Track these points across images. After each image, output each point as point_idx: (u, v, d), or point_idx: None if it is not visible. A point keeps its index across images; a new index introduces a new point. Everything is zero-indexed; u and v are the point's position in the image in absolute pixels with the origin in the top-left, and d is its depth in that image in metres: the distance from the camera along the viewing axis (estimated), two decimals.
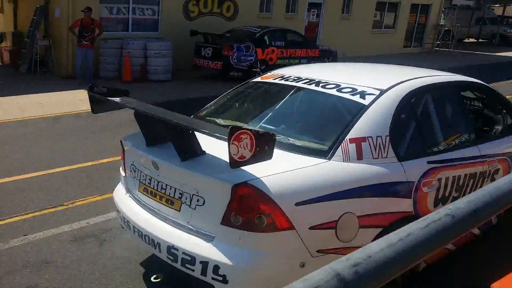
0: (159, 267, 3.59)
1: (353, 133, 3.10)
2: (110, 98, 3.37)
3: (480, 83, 4.44)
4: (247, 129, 2.52)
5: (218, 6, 15.69)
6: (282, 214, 2.65)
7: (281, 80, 3.92)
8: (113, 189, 3.89)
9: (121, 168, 3.75)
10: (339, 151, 3.01)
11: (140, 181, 3.37)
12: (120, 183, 3.78)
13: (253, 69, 13.14)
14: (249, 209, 2.69)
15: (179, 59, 13.55)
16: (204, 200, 2.87)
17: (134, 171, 3.45)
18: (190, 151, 2.99)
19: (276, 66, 13.81)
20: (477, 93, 4.73)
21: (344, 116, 3.38)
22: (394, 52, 22.49)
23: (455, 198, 3.53)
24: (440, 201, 3.50)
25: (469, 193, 3.00)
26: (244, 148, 2.45)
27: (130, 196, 3.52)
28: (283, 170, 2.79)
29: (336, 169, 2.95)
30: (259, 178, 2.66)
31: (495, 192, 1.18)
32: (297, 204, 2.70)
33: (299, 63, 14.33)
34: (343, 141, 3.04)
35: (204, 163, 2.96)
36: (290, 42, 14.46)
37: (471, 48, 27.62)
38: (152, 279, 3.67)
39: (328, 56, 15.45)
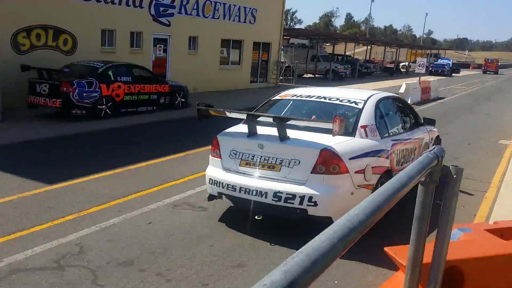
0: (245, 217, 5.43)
1: (361, 123, 5.53)
2: (219, 110, 6.13)
3: (400, 98, 7.76)
4: (338, 116, 4.73)
5: (53, 39, 14.40)
6: (344, 165, 4.84)
7: (298, 97, 6.40)
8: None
9: (211, 156, 5.76)
10: (357, 133, 5.40)
11: (241, 159, 5.29)
12: (210, 166, 5.76)
13: (99, 106, 12.23)
14: (328, 162, 4.82)
15: (9, 97, 11.95)
16: (299, 161, 4.90)
17: (235, 154, 5.36)
18: (284, 135, 5.02)
19: (124, 103, 13.22)
20: (399, 103, 7.14)
21: (352, 114, 5.70)
22: (242, 87, 23.38)
23: (404, 161, 6.16)
24: (398, 162, 5.95)
25: (410, 158, 6.42)
26: (338, 126, 4.67)
27: (228, 171, 5.35)
28: (339, 142, 5.00)
29: (358, 142, 5.32)
30: (332, 146, 4.89)
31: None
32: (350, 159, 4.93)
33: (149, 99, 13.95)
34: (357, 128, 5.46)
35: (294, 142, 5.01)
36: (138, 78, 13.88)
37: (310, 83, 30.19)
38: (256, 217, 5.32)
39: (178, 91, 15.24)
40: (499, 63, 73.05)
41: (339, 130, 4.72)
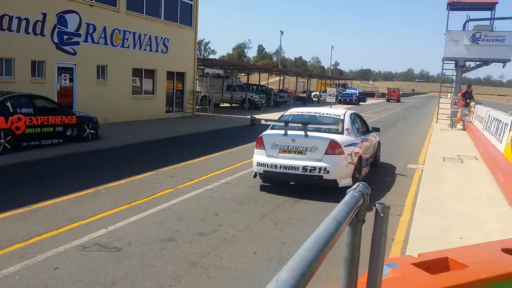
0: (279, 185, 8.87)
1: (345, 127, 8.99)
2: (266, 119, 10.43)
3: (358, 113, 11.01)
4: (341, 121, 9.33)
5: None
6: (342, 150, 8.23)
7: (300, 112, 9.92)
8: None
9: (256, 149, 8.82)
10: (344, 132, 8.85)
11: (279, 149, 8.47)
12: (256, 155, 8.75)
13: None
14: (334, 148, 8.20)
15: None
16: (317, 148, 8.21)
17: (275, 146, 8.51)
18: (307, 133, 8.31)
19: (26, 136, 12.09)
20: (359, 116, 10.72)
21: (337, 122, 9.11)
22: (157, 117, 22.70)
23: (367, 152, 9.80)
24: (364, 152, 9.38)
25: (369, 151, 10.43)
26: (340, 127, 9.17)
27: (270, 157, 8.45)
28: (337, 137, 8.49)
29: (346, 137, 8.72)
30: (335, 139, 8.36)
31: None
32: (344, 146, 8.33)
33: (54, 131, 13.12)
34: (344, 129, 8.89)
35: (313, 137, 8.37)
36: (41, 109, 12.96)
37: (226, 112, 30.29)
38: (291, 183, 8.55)
39: (87, 123, 14.39)
40: (401, 92, 79.06)
41: (340, 129, 8.96)
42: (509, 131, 11.52)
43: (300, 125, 8.42)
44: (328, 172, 8.11)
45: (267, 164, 8.43)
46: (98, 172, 10.13)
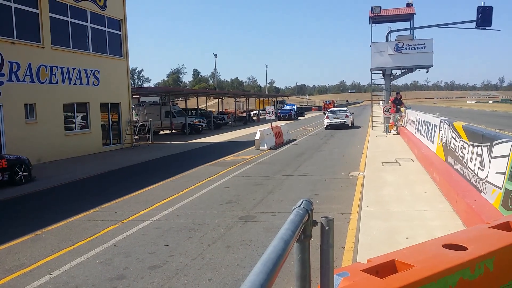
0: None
1: (347, 111, 34.78)
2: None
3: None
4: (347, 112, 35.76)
5: None
6: (350, 116, 34.64)
7: (334, 109, 38.43)
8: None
9: (325, 119, 34.29)
10: (348, 112, 34.54)
11: (332, 117, 33.89)
12: (325, 119, 34.05)
13: None
14: (347, 116, 34.46)
15: None
16: (342, 116, 33.64)
17: (330, 117, 33.89)
18: (340, 113, 35.44)
19: None
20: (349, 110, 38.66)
21: (346, 110, 35.18)
22: (94, 151, 21.94)
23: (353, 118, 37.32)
24: (352, 118, 36.32)
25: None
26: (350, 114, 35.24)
27: (328, 119, 33.66)
28: (349, 114, 34.92)
29: (349, 114, 34.48)
30: (348, 112, 35.06)
31: None
32: (349, 115, 34.49)
33: None
34: (347, 112, 34.58)
35: (341, 111, 35.50)
36: None
37: (167, 139, 29.86)
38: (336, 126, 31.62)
39: (19, 165, 13.66)
40: (336, 104, 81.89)
41: (347, 112, 34.12)
42: (439, 132, 12.22)
43: (337, 109, 34.92)
44: (348, 122, 32.67)
45: (329, 122, 32.72)
46: (35, 216, 9.57)
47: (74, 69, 20.81)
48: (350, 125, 33.06)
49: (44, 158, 18.23)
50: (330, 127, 32.39)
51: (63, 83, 20.15)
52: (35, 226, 8.48)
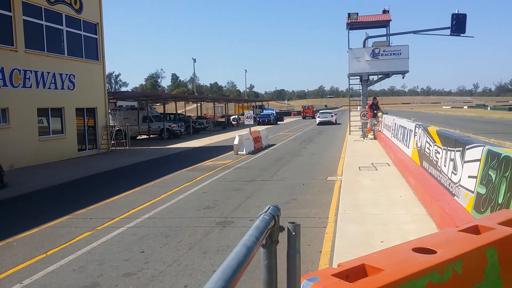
0: None
1: (333, 113, 52.90)
2: None
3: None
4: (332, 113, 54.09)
5: None
6: (333, 116, 51.82)
7: (323, 110, 65.84)
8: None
9: (316, 117, 51.55)
10: (333, 113, 52.13)
11: (321, 116, 50.07)
12: (317, 118, 49.83)
13: None
14: (332, 116, 51.35)
15: None
16: (330, 116, 50.08)
17: (321, 116, 50.25)
18: (327, 113, 53.44)
19: None
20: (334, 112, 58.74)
21: (332, 112, 53.55)
22: (69, 156, 21.55)
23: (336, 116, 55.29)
24: (337, 117, 56.55)
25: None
26: (334, 114, 54.43)
27: (319, 118, 49.51)
28: (334, 114, 52.41)
29: (334, 115, 51.88)
30: (334, 114, 53.66)
31: None
32: (334, 115, 53.27)
33: None
34: (333, 113, 52.63)
35: (328, 113, 52.68)
36: None
37: (144, 144, 29.55)
38: (324, 124, 44.96)
39: None
40: (315, 109, 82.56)
41: (332, 113, 51.12)
42: (414, 136, 12.42)
43: (325, 111, 51.46)
44: (332, 120, 47.65)
45: (320, 120, 47.68)
46: (6, 223, 9.31)
47: (48, 73, 20.43)
48: (334, 122, 48.41)
49: (17, 164, 17.82)
50: (321, 123, 47.83)
51: (37, 87, 19.75)
52: (6, 234, 8.25)
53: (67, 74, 21.79)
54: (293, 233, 1.82)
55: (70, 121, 22.08)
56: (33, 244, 7.65)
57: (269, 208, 1.84)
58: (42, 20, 20.37)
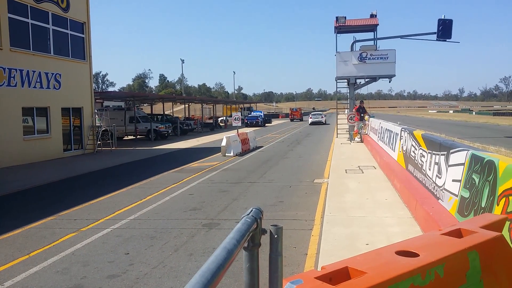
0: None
1: (323, 115, 62.66)
2: None
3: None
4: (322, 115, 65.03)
5: None
6: (323, 117, 63.31)
7: (314, 112, 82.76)
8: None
9: (309, 118, 60.25)
10: (323, 114, 63.51)
11: (313, 117, 59.43)
12: (309, 118, 59.09)
13: None
14: (322, 117, 62.19)
15: None
16: (321, 116, 60.66)
17: (312, 116, 59.72)
18: (318, 114, 64.31)
19: None
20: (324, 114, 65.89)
21: (322, 114, 65.50)
22: (54, 157, 21.30)
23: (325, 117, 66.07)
24: (326, 118, 68.12)
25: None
26: (324, 115, 68.07)
27: (311, 118, 59.01)
28: (324, 116, 64.28)
29: (324, 116, 62.49)
30: (324, 116, 66.39)
31: None
32: (324, 116, 65.05)
33: None
34: (323, 115, 62.30)
35: (319, 114, 63.49)
36: None
37: (131, 145, 29.33)
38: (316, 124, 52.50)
39: None
40: (303, 111, 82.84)
41: (323, 114, 59.63)
42: (400, 140, 12.52)
43: (316, 113, 60.38)
44: (322, 121, 55.76)
45: (312, 120, 56.22)
46: None
47: (34, 72, 20.18)
48: (324, 122, 55.94)
49: (1, 163, 17.55)
50: (313, 123, 54.88)
51: (22, 86, 19.50)
52: None
53: (53, 73, 21.55)
54: (275, 236, 1.81)
55: (55, 121, 21.84)
56: (16, 245, 7.53)
57: (251, 210, 1.84)
58: (28, 18, 20.12)
